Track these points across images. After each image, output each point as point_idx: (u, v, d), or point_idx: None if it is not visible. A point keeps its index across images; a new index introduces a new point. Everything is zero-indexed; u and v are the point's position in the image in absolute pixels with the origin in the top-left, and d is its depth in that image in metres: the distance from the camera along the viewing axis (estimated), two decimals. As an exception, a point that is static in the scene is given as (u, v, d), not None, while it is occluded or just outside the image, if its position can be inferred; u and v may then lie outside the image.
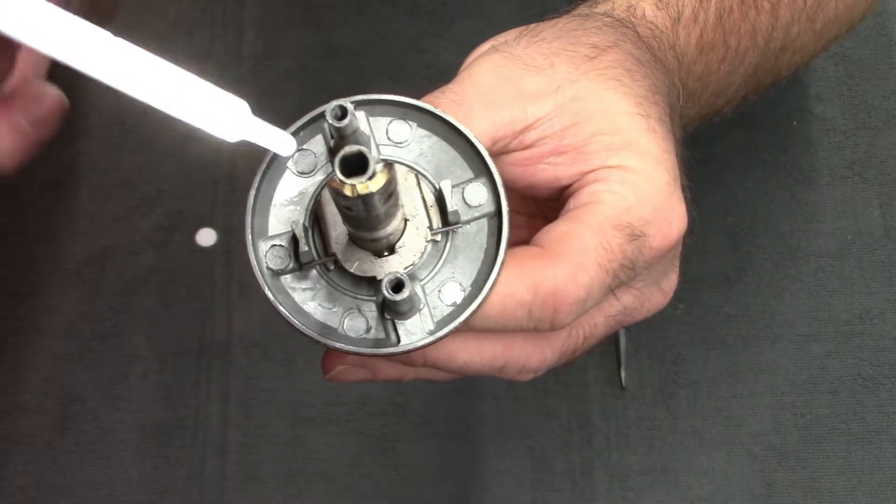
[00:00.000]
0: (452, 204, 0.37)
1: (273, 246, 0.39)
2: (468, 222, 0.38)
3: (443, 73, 0.82)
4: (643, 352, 0.71)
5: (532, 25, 0.46)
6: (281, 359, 0.71)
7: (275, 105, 0.78)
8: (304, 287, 0.39)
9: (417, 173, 0.39)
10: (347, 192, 0.31)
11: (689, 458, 0.69)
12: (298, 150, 0.40)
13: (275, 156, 0.39)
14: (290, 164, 0.40)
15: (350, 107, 0.33)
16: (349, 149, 0.31)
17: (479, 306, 0.37)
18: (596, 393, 0.70)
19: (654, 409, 0.70)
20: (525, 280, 0.39)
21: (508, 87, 0.42)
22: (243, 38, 0.80)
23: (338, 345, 0.38)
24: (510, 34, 0.45)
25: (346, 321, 0.39)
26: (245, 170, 0.77)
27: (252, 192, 0.39)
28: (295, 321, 0.38)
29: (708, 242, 0.74)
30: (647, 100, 0.43)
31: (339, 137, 0.34)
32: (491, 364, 0.42)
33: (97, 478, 0.69)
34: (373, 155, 0.31)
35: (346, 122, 0.33)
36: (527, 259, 0.40)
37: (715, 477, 0.68)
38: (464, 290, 0.38)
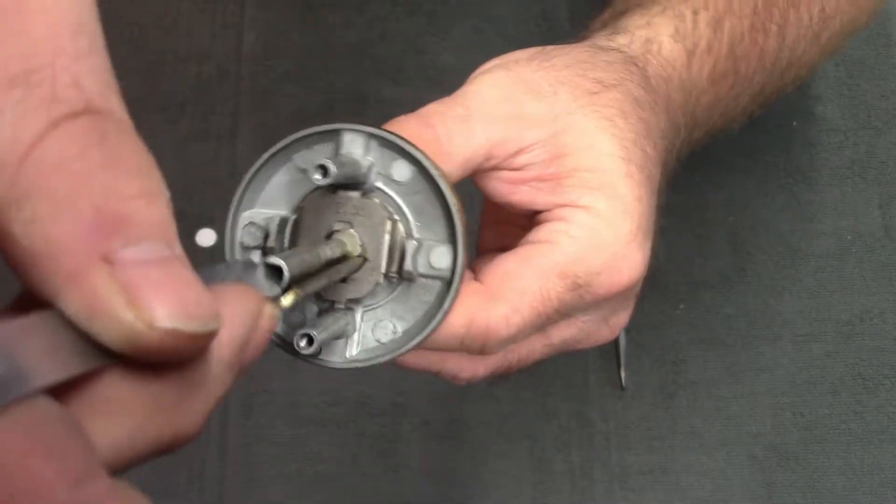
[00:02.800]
0: (408, 264, 0.39)
1: (251, 224, 0.41)
2: (423, 277, 0.40)
3: (443, 73, 0.82)
4: (643, 352, 0.71)
5: (547, 48, 0.47)
6: (281, 359, 0.71)
7: (275, 105, 0.78)
8: None
9: (396, 221, 0.40)
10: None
11: (689, 458, 0.69)
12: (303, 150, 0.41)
13: (293, 143, 0.40)
14: (296, 156, 0.41)
15: (332, 168, 0.34)
16: (271, 259, 0.31)
17: (386, 362, 0.40)
18: (596, 393, 0.70)
19: (654, 409, 0.70)
20: (462, 316, 0.41)
21: (511, 108, 0.43)
22: (243, 38, 0.80)
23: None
24: (523, 53, 0.46)
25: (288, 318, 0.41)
26: (245, 170, 0.77)
27: (255, 167, 0.41)
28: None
29: (708, 242, 0.74)
30: (635, 144, 0.44)
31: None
32: (427, 367, 0.45)
33: (97, 478, 0.69)
34: (286, 275, 0.31)
35: (328, 180, 0.35)
36: (467, 295, 0.41)
37: (715, 477, 0.68)
38: (394, 334, 0.40)
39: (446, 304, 0.39)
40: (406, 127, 0.42)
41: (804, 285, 0.73)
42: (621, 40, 0.50)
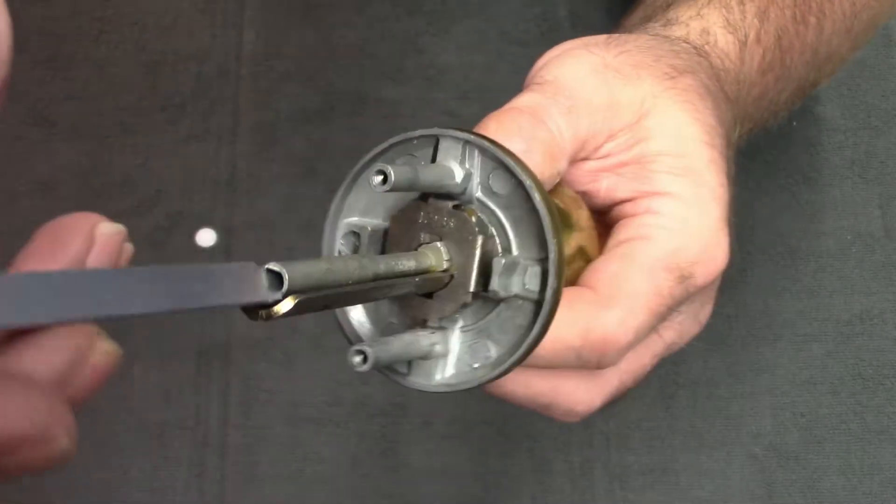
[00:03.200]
0: (495, 283, 0.36)
1: (351, 232, 0.38)
2: (517, 299, 0.36)
3: (443, 73, 0.82)
4: (643, 352, 0.71)
5: (615, 35, 0.45)
6: (281, 359, 0.71)
7: (275, 105, 0.78)
8: None
9: (491, 237, 0.37)
10: (253, 318, 0.29)
11: (689, 458, 0.69)
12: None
13: (391, 147, 0.37)
14: (398, 161, 0.37)
15: (391, 175, 0.31)
16: (271, 265, 0.28)
17: (473, 388, 0.37)
18: (596, 393, 0.70)
19: (654, 409, 0.70)
20: (577, 326, 0.38)
21: (606, 96, 0.42)
22: (243, 38, 0.80)
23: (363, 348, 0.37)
24: (597, 39, 0.44)
25: (382, 329, 0.39)
26: (245, 170, 0.77)
27: (352, 172, 0.37)
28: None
29: (708, 242, 0.74)
30: (715, 130, 0.43)
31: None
32: (535, 400, 0.42)
33: (97, 478, 0.69)
34: (286, 284, 0.28)
35: (387, 186, 0.32)
36: (579, 303, 0.39)
37: (715, 477, 0.68)
38: (487, 359, 0.37)
39: (534, 332, 0.36)
40: (517, 126, 0.39)
41: (804, 285, 0.73)
42: (678, 31, 0.48)
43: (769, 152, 0.76)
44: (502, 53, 0.79)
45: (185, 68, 0.80)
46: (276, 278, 0.28)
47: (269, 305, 0.28)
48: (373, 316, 0.39)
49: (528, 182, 0.35)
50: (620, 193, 0.43)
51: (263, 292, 0.28)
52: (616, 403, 0.45)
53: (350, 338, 0.39)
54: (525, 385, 0.41)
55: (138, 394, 0.70)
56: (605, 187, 0.43)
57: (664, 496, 0.68)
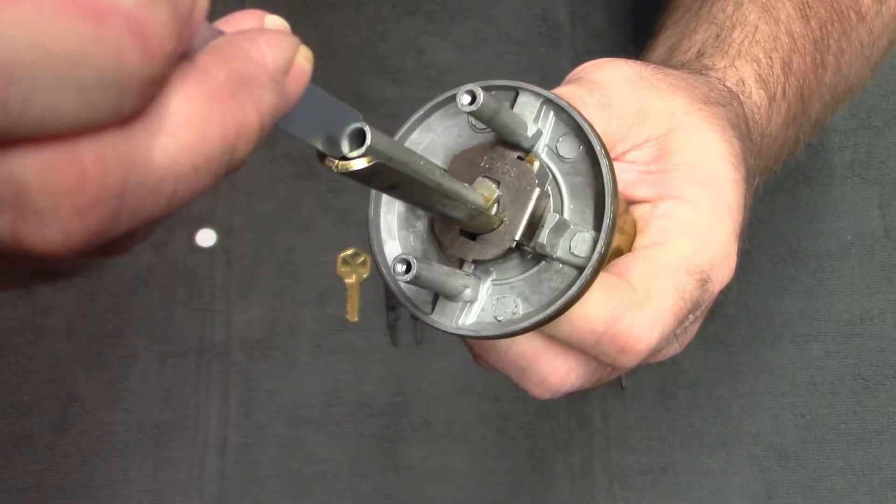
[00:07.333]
0: (543, 237, 0.36)
1: None
2: (559, 262, 0.37)
3: (443, 73, 0.82)
4: (643, 352, 0.71)
5: (653, 65, 0.47)
6: (281, 359, 0.71)
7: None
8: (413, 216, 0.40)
9: (544, 193, 0.37)
10: (330, 165, 0.30)
11: (689, 458, 0.69)
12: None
13: (497, 91, 0.38)
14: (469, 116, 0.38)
15: (480, 95, 0.33)
16: (358, 124, 0.30)
17: (494, 337, 0.37)
18: (596, 393, 0.70)
19: (654, 409, 0.70)
20: (607, 311, 0.38)
21: (638, 104, 0.43)
22: (243, 39, 0.80)
23: (384, 270, 0.38)
24: (635, 62, 0.46)
25: (421, 258, 0.39)
26: (245, 170, 0.77)
27: (429, 105, 0.38)
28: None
29: (708, 242, 0.74)
30: (739, 157, 0.45)
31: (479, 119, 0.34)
32: (515, 361, 0.41)
33: (97, 479, 0.69)
34: (368, 141, 0.29)
35: (474, 107, 0.33)
36: (617, 291, 0.39)
37: (715, 477, 0.68)
38: (514, 314, 0.37)
39: (572, 291, 0.36)
40: None
41: (804, 285, 0.73)
42: (716, 75, 0.50)
43: (769, 152, 0.76)
44: (502, 53, 0.79)
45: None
46: (359, 136, 0.29)
47: (345, 158, 0.29)
48: (419, 241, 0.39)
49: (598, 147, 0.36)
50: (639, 192, 0.43)
51: (342, 141, 0.30)
52: (588, 391, 0.45)
53: (385, 276, 0.38)
54: (510, 341, 0.40)
55: (138, 394, 0.71)
56: (624, 184, 0.43)
57: (664, 496, 0.68)
